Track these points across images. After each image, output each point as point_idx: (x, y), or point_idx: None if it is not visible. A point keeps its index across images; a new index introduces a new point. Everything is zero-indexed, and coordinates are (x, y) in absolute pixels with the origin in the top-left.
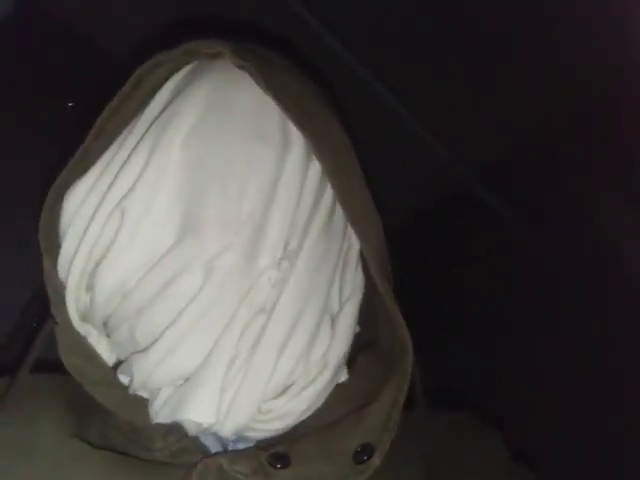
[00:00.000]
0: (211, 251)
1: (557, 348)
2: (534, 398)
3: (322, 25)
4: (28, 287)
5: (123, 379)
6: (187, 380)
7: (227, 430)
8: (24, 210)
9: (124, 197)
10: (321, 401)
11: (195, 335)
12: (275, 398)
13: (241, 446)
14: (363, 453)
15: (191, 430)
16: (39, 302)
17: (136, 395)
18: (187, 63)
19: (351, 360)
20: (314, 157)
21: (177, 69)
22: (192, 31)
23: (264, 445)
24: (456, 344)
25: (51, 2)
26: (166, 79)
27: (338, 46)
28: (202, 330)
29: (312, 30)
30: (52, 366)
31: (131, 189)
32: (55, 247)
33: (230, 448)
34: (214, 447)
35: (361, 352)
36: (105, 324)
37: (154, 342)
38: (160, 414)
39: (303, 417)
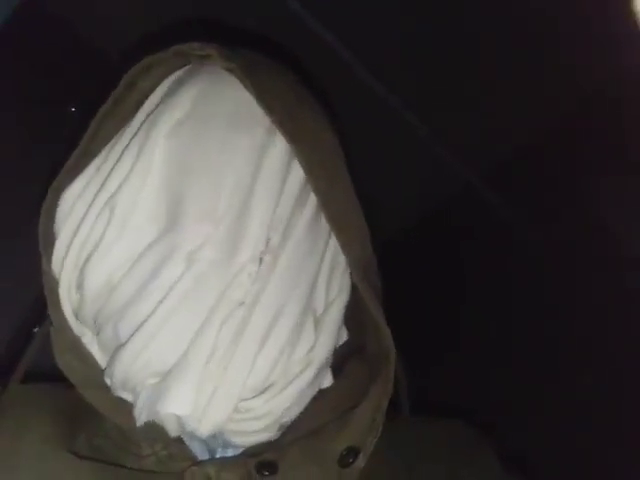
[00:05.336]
0: (189, 244)
1: (557, 353)
2: (530, 407)
3: (323, 27)
4: (29, 292)
5: (108, 380)
6: (166, 375)
7: (205, 428)
8: (26, 214)
9: (114, 194)
10: (302, 403)
11: (172, 326)
12: (254, 397)
13: (229, 453)
14: (348, 456)
15: (172, 429)
16: (39, 309)
17: (123, 399)
18: (179, 65)
19: (340, 367)
20: None
21: (170, 72)
22: (193, 34)
23: (252, 452)
24: (454, 343)
25: (54, 5)
26: (159, 82)
27: (341, 48)
28: (179, 322)
29: (312, 32)
30: (45, 375)
31: (120, 185)
32: (52, 247)
33: (218, 455)
34: (202, 454)
35: (349, 359)
36: (95, 322)
37: (132, 335)
38: (142, 413)
39: (284, 419)
